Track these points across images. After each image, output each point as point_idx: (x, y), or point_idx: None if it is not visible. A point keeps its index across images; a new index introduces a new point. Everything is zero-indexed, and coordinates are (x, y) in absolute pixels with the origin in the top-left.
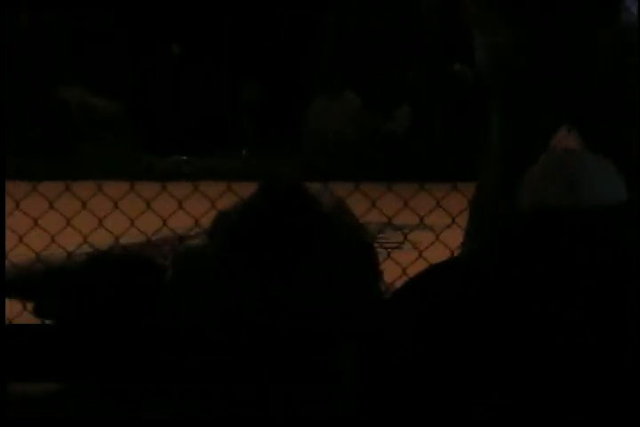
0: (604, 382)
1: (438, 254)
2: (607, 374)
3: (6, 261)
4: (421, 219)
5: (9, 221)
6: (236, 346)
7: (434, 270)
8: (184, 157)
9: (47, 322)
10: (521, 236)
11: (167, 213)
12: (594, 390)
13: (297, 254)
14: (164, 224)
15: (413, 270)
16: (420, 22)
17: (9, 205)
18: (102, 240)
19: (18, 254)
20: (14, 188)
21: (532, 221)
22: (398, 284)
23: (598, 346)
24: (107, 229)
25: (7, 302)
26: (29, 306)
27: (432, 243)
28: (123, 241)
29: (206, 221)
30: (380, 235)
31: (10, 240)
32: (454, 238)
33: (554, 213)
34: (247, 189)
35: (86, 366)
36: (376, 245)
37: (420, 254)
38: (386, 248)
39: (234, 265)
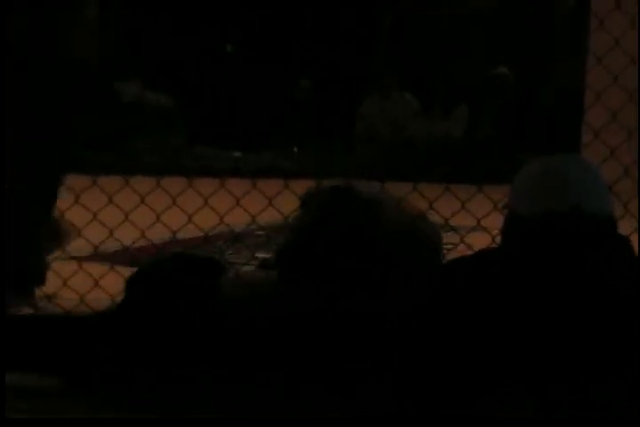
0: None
1: None
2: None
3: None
4: (479, 221)
5: (69, 215)
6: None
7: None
8: (237, 154)
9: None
10: (517, 238)
11: (224, 209)
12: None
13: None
14: (221, 221)
15: None
16: (469, 23)
17: (69, 199)
18: (159, 235)
19: (77, 247)
20: (75, 181)
21: (524, 224)
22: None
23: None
24: (164, 224)
25: None
26: None
27: (488, 245)
28: (179, 236)
29: (263, 219)
30: None
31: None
32: None
33: (544, 217)
34: (303, 187)
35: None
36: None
37: None
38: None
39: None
